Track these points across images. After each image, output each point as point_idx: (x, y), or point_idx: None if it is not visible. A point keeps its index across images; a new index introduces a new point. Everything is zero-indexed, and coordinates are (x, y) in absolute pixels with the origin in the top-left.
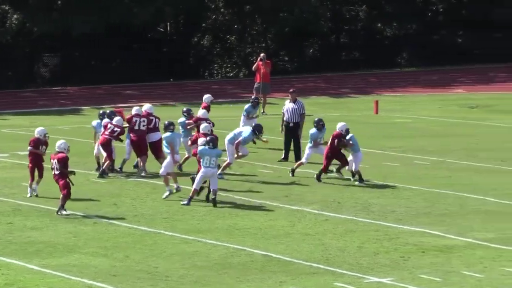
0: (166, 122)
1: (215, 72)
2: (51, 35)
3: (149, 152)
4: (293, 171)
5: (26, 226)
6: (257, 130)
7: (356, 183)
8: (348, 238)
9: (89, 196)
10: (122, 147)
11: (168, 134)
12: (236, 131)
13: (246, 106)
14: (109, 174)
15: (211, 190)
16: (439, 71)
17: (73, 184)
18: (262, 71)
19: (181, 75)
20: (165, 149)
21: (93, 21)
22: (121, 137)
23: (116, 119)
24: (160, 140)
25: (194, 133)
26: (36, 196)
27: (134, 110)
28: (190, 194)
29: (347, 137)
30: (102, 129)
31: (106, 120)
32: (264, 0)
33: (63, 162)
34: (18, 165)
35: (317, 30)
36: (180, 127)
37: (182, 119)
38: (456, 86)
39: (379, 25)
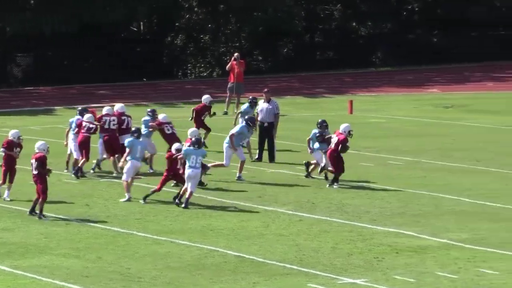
0: (133, 128)
1: (189, 72)
2: (24, 35)
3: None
4: (308, 174)
5: None
6: (251, 122)
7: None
8: (322, 238)
9: (61, 197)
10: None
11: (130, 139)
12: (233, 131)
13: (244, 106)
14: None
15: (188, 192)
16: (414, 71)
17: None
18: (236, 71)
19: (154, 75)
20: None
21: (66, 21)
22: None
23: (87, 116)
24: None
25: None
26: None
27: (104, 110)
28: (187, 196)
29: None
30: (73, 127)
31: (78, 117)
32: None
33: (41, 161)
34: None
35: (291, 29)
36: (143, 126)
37: (147, 118)
38: (431, 85)
39: (353, 24)
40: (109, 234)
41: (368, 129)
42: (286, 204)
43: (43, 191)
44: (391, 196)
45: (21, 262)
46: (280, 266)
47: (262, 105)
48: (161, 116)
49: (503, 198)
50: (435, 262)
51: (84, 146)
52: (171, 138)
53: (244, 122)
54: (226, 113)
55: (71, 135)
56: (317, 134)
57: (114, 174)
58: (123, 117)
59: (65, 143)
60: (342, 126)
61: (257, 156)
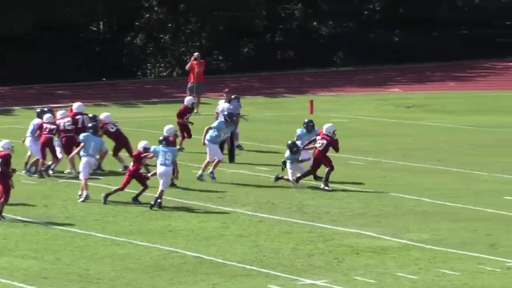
0: (90, 124)
1: (149, 71)
2: None
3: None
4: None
5: None
6: (228, 117)
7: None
8: (282, 239)
9: (19, 198)
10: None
11: (85, 134)
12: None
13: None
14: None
15: (159, 190)
16: (375, 70)
17: (13, 187)
18: (196, 71)
19: (114, 75)
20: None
21: (25, 21)
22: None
23: (46, 116)
24: None
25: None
26: None
27: (59, 114)
28: (158, 194)
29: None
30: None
31: (38, 120)
32: None
33: (5, 160)
34: None
35: (252, 29)
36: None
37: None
38: (392, 85)
39: (314, 23)
40: (68, 235)
41: None
42: (246, 205)
43: (5, 191)
44: (352, 196)
45: None
46: (240, 267)
47: (222, 105)
48: (103, 116)
49: (463, 198)
50: (396, 262)
51: (48, 147)
52: (117, 136)
53: (223, 117)
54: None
55: (29, 138)
56: (293, 149)
57: (68, 171)
58: (77, 117)
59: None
60: (326, 127)
61: None
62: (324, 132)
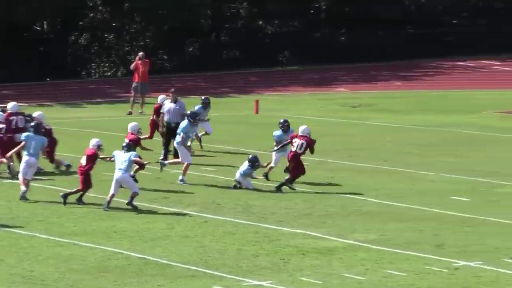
0: (32, 123)
1: (93, 71)
2: None
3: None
4: (266, 175)
5: None
6: (191, 117)
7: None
8: (227, 240)
9: None
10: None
11: (27, 133)
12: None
13: (196, 107)
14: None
15: (131, 193)
16: (322, 70)
17: None
18: (141, 70)
19: (58, 75)
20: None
21: None
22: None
23: None
24: None
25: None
26: None
27: None
28: (108, 198)
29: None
30: None
31: None
32: None
33: None
34: None
35: (197, 28)
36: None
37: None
38: (339, 85)
39: (260, 23)
40: (12, 236)
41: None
42: (191, 205)
43: None
44: (298, 197)
45: None
46: (185, 268)
47: (168, 105)
48: (36, 114)
49: (409, 198)
50: (342, 263)
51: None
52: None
53: (187, 119)
54: (130, 113)
55: None
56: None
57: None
58: (11, 117)
59: None
60: (302, 128)
61: (161, 157)
62: (300, 133)
